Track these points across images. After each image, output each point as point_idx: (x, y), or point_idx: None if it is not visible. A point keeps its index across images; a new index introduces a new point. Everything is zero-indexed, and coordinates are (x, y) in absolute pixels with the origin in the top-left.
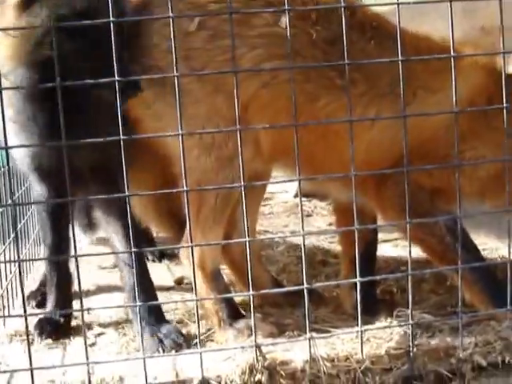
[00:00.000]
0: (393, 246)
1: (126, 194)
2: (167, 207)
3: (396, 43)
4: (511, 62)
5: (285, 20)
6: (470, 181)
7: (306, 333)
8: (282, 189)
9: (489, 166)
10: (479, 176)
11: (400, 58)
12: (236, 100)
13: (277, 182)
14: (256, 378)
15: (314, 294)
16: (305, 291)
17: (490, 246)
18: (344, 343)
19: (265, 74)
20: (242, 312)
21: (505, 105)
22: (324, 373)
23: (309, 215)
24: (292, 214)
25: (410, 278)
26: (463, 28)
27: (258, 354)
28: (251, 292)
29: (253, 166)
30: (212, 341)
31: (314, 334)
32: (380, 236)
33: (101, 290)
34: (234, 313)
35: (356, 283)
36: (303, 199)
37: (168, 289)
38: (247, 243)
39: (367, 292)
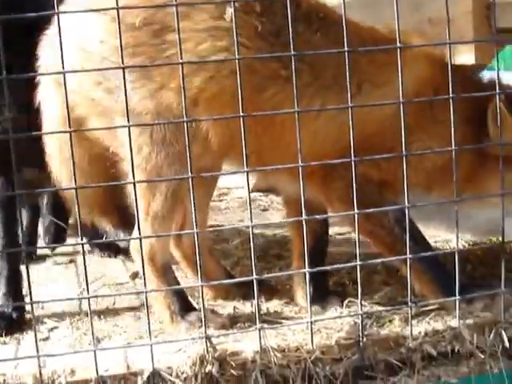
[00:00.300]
0: (346, 239)
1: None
2: (115, 205)
3: (342, 34)
4: (457, 52)
5: (230, 13)
6: (416, 172)
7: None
8: (238, 184)
9: (435, 158)
10: (425, 168)
11: (346, 49)
12: (183, 92)
13: (223, 174)
14: (207, 369)
15: (266, 287)
16: (254, 282)
17: (442, 238)
18: (295, 334)
19: (210, 68)
20: (194, 305)
21: (451, 95)
22: (274, 363)
23: (265, 209)
24: (247, 210)
25: (358, 268)
26: (412, 20)
27: (209, 345)
28: (200, 283)
29: (203, 162)
30: (164, 333)
31: (265, 325)
32: (336, 230)
33: (56, 285)
34: (185, 306)
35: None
36: (260, 194)
37: (123, 283)
38: (195, 234)
39: (319, 284)
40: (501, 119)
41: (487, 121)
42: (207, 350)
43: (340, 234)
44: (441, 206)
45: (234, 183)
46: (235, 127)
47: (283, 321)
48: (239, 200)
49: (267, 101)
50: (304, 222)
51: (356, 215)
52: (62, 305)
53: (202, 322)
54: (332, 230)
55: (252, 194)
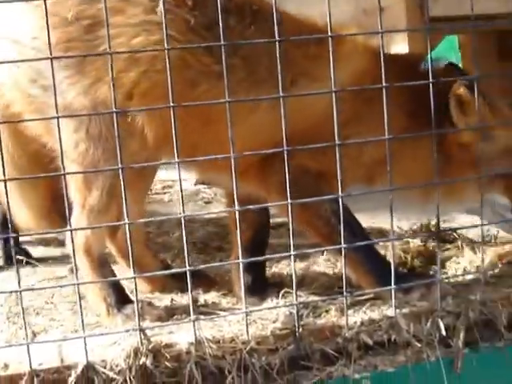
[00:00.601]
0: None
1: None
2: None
3: (277, 27)
4: (392, 42)
5: (161, 7)
6: (355, 166)
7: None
8: (182, 177)
9: (373, 151)
10: (364, 161)
11: (277, 38)
12: (112, 83)
13: (152, 164)
14: (141, 362)
15: (205, 278)
16: (187, 273)
17: (388, 228)
18: (231, 325)
19: (143, 63)
20: (131, 297)
21: (384, 84)
22: (209, 354)
23: (208, 202)
24: (190, 202)
25: (292, 258)
26: (348, 11)
27: (143, 337)
28: (133, 275)
29: (140, 157)
30: (101, 326)
31: (202, 317)
32: (278, 221)
33: None
34: (122, 298)
35: (247, 266)
36: (204, 186)
37: (63, 277)
38: (127, 226)
39: (257, 275)
40: (464, 105)
41: (450, 108)
42: (141, 343)
43: (282, 226)
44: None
45: (177, 176)
46: (170, 124)
47: (220, 312)
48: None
49: (200, 96)
50: (237, 214)
51: (289, 205)
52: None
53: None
54: (274, 221)
55: (196, 187)
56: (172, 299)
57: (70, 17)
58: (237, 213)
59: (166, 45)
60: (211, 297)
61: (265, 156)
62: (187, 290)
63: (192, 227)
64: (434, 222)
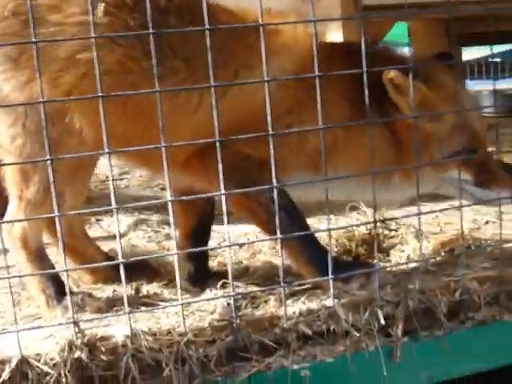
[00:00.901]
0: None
1: None
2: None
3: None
4: (327, 31)
5: (101, 8)
6: (297, 155)
7: (133, 307)
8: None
9: (316, 140)
10: (307, 150)
11: (207, 27)
12: (38, 75)
13: (81, 155)
14: (76, 355)
15: (148, 269)
16: (121, 266)
17: (335, 217)
18: (169, 317)
19: (83, 65)
20: (74, 289)
21: (317, 73)
22: (146, 347)
23: (163, 189)
24: (147, 188)
25: (228, 249)
26: (288, 1)
27: (77, 330)
28: (66, 268)
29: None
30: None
31: (138, 309)
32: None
33: None
34: (61, 290)
35: (189, 256)
36: None
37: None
38: (57, 219)
39: (199, 264)
40: (400, 87)
41: (389, 94)
42: (76, 336)
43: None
44: (350, 187)
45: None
46: (109, 123)
47: (158, 303)
48: (139, 179)
49: (143, 101)
50: (170, 204)
51: (223, 196)
52: None
53: (78, 306)
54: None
55: None
56: (114, 290)
57: (7, 11)
58: (169, 203)
59: (92, 32)
60: (154, 288)
61: (205, 146)
62: (131, 281)
63: (146, 214)
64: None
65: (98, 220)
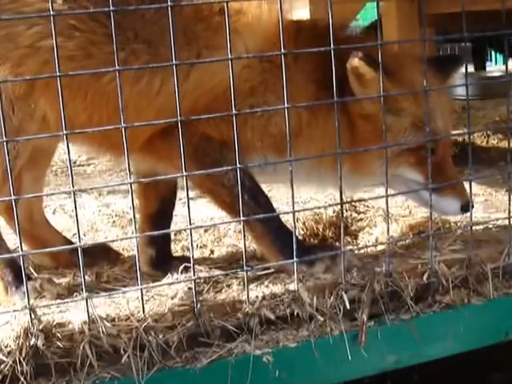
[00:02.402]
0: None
1: None
2: None
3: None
4: (294, 8)
5: None
6: (261, 136)
7: (94, 293)
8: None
9: (281, 122)
10: (270, 132)
11: (169, 3)
12: None
13: (38, 137)
14: (32, 342)
15: (110, 253)
16: (79, 250)
17: (303, 200)
18: (130, 302)
19: (45, 52)
20: (34, 274)
21: (282, 51)
22: (103, 333)
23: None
24: (114, 173)
25: (191, 231)
26: None
27: (33, 316)
28: (21, 252)
29: (39, 141)
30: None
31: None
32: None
33: None
34: (20, 276)
35: (151, 239)
36: None
37: None
38: (13, 202)
39: (161, 248)
40: (361, 76)
41: (350, 82)
42: (31, 322)
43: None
44: (311, 170)
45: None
46: (71, 112)
47: (122, 288)
48: (107, 164)
49: (106, 85)
50: (130, 186)
51: (185, 178)
52: None
53: (37, 291)
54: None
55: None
56: (74, 275)
57: None
58: (130, 186)
59: (50, 11)
60: (115, 273)
61: (168, 127)
62: (92, 266)
63: (112, 199)
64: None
65: (61, 206)
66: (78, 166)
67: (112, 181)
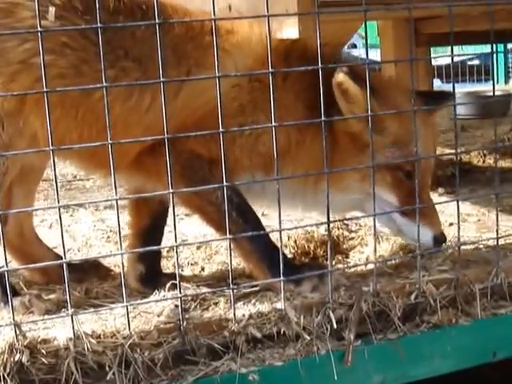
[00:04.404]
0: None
1: None
2: None
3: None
4: (284, 26)
5: (52, 12)
6: (249, 155)
7: (82, 308)
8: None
9: (268, 142)
10: (259, 151)
11: (157, 20)
12: None
13: (23, 152)
14: (16, 358)
15: (100, 269)
16: (64, 266)
17: (296, 218)
18: (116, 319)
19: (37, 69)
20: (24, 289)
21: (270, 70)
22: (88, 350)
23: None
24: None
25: (176, 249)
26: None
27: (18, 332)
28: (6, 268)
29: (29, 158)
30: None
31: (88, 310)
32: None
33: None
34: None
35: (140, 256)
36: None
37: None
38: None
39: (151, 265)
40: (346, 92)
41: (336, 99)
42: (16, 338)
43: (187, 215)
44: (296, 189)
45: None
46: (62, 131)
47: (109, 305)
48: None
49: (96, 103)
50: (116, 203)
51: (171, 195)
52: None
53: (25, 307)
54: (181, 211)
55: None
56: (63, 291)
57: None
58: (116, 202)
59: (38, 26)
60: (105, 289)
61: (156, 144)
62: (84, 282)
63: (102, 215)
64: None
65: (58, 220)
66: (78, 180)
67: (110, 196)
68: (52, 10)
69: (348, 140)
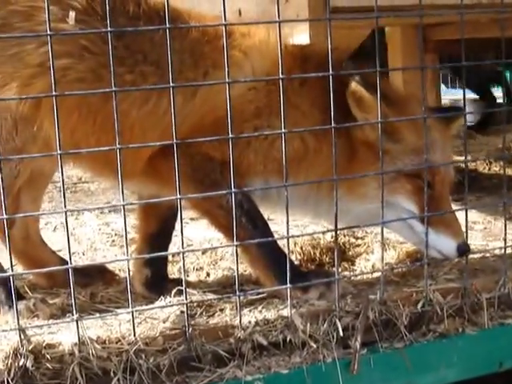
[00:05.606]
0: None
1: None
2: None
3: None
4: (295, 32)
5: (72, 16)
6: (264, 160)
7: (87, 313)
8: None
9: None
10: (274, 156)
11: (167, 25)
12: None
13: (30, 156)
14: (21, 363)
15: (106, 274)
16: (70, 271)
17: (302, 223)
18: (121, 324)
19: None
20: (29, 294)
21: (281, 76)
22: (93, 355)
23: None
24: (117, 192)
25: (183, 254)
26: (261, 3)
27: (23, 337)
28: (11, 272)
29: (41, 162)
30: None
31: (94, 315)
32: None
33: None
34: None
35: (147, 260)
36: None
37: None
38: (5, 221)
39: (157, 270)
40: (360, 100)
41: (351, 107)
42: (21, 343)
43: (192, 220)
44: (308, 196)
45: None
46: (78, 135)
47: (115, 310)
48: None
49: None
50: (123, 208)
51: (179, 200)
52: None
53: (30, 311)
54: (186, 215)
55: None
56: (69, 295)
57: None
58: (122, 207)
59: (47, 30)
60: (110, 293)
61: (169, 148)
62: (89, 286)
63: (107, 218)
64: None
65: (62, 223)
66: (83, 182)
67: (114, 200)
68: (72, 14)
69: (365, 148)
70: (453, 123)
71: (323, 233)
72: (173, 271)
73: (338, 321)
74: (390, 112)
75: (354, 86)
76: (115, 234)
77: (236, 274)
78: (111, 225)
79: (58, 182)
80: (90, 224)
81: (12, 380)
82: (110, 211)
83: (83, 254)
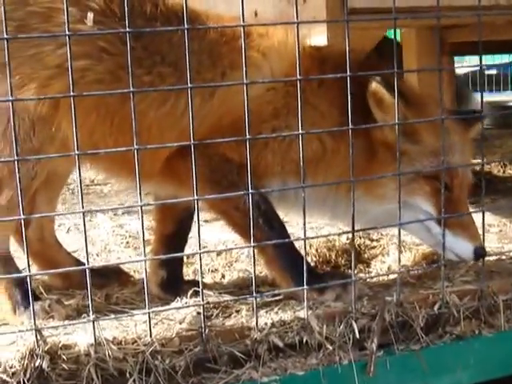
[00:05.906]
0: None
1: None
2: None
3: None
4: (313, 33)
5: (90, 17)
6: (281, 161)
7: (102, 314)
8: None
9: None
10: (292, 157)
11: (186, 26)
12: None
13: (47, 157)
14: (37, 363)
15: (121, 275)
16: (87, 271)
17: (317, 225)
18: (137, 325)
19: (73, 73)
20: (44, 295)
21: (298, 77)
22: (109, 356)
23: (148, 193)
24: (131, 193)
25: (200, 255)
26: (279, 3)
27: (39, 337)
28: (28, 273)
29: (58, 163)
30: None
31: (110, 316)
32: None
33: None
34: (28, 296)
35: (163, 261)
36: None
37: None
38: (22, 221)
39: (173, 271)
40: (381, 101)
41: (371, 107)
42: (37, 343)
43: (207, 222)
44: (326, 197)
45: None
46: (96, 136)
47: (130, 311)
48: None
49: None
50: (140, 209)
51: (196, 202)
52: None
53: (46, 312)
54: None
55: None
56: (84, 296)
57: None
58: (140, 209)
59: (66, 30)
60: (125, 295)
61: (187, 149)
62: (104, 287)
63: (121, 220)
64: None
65: (76, 225)
66: (96, 184)
67: (128, 201)
68: (90, 15)
69: (384, 149)
70: (472, 126)
71: (339, 234)
72: (187, 273)
73: (354, 322)
74: (409, 113)
75: (375, 86)
76: (129, 236)
77: (253, 275)
78: (125, 227)
79: (70, 184)
80: (104, 226)
81: (28, 380)
82: (123, 213)
83: (97, 256)
